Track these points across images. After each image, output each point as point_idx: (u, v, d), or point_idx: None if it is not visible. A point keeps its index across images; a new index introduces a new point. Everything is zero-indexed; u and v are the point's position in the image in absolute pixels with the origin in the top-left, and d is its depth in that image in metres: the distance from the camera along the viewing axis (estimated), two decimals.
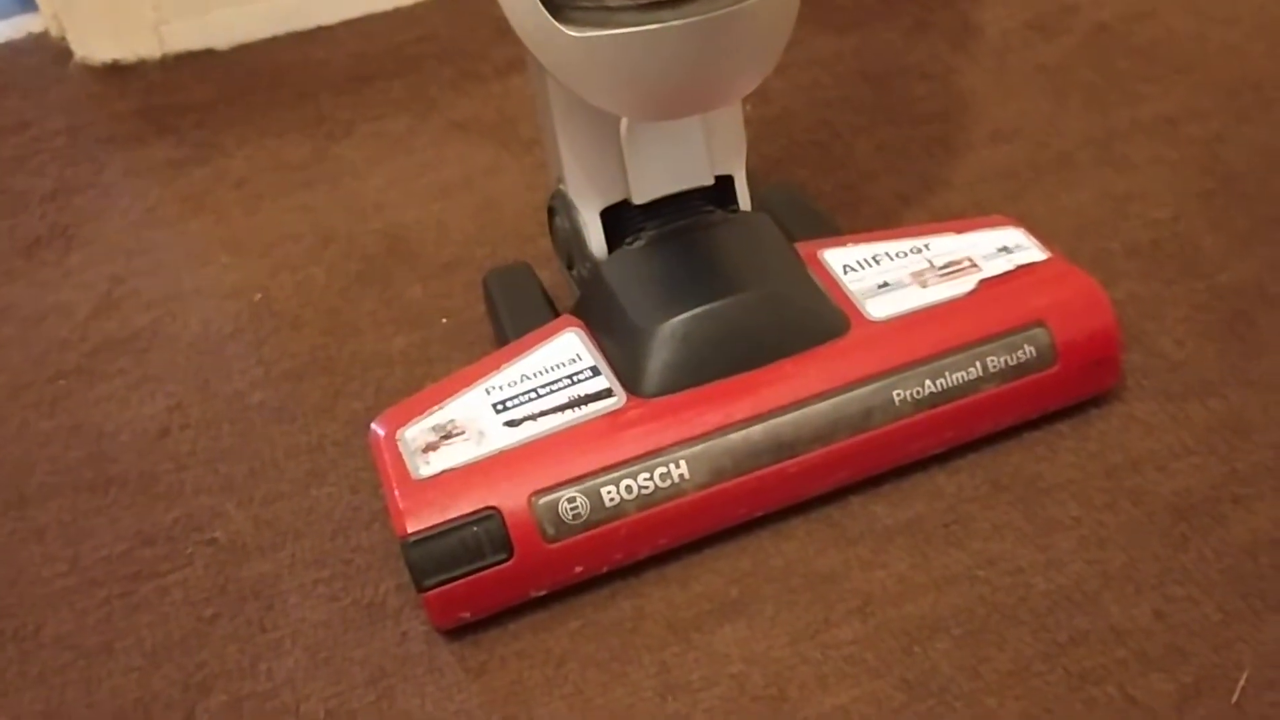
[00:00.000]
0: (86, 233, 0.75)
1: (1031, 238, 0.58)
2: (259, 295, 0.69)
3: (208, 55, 0.91)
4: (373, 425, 0.52)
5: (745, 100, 0.54)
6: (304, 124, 0.83)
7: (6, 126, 0.86)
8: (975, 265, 0.56)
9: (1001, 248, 0.57)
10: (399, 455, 0.50)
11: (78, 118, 0.86)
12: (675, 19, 0.45)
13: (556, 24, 0.46)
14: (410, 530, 0.47)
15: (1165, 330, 0.60)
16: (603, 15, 0.46)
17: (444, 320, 0.66)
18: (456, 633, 0.50)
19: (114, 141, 0.83)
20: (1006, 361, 0.53)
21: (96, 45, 0.90)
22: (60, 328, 0.68)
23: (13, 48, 0.94)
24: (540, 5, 0.46)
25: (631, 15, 0.46)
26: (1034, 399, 0.54)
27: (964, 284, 0.55)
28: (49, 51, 0.93)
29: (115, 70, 0.90)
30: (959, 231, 0.58)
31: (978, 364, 0.52)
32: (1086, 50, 0.81)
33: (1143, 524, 0.51)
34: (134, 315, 0.69)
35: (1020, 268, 0.56)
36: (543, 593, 0.50)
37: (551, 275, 0.64)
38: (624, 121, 0.54)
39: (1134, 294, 0.62)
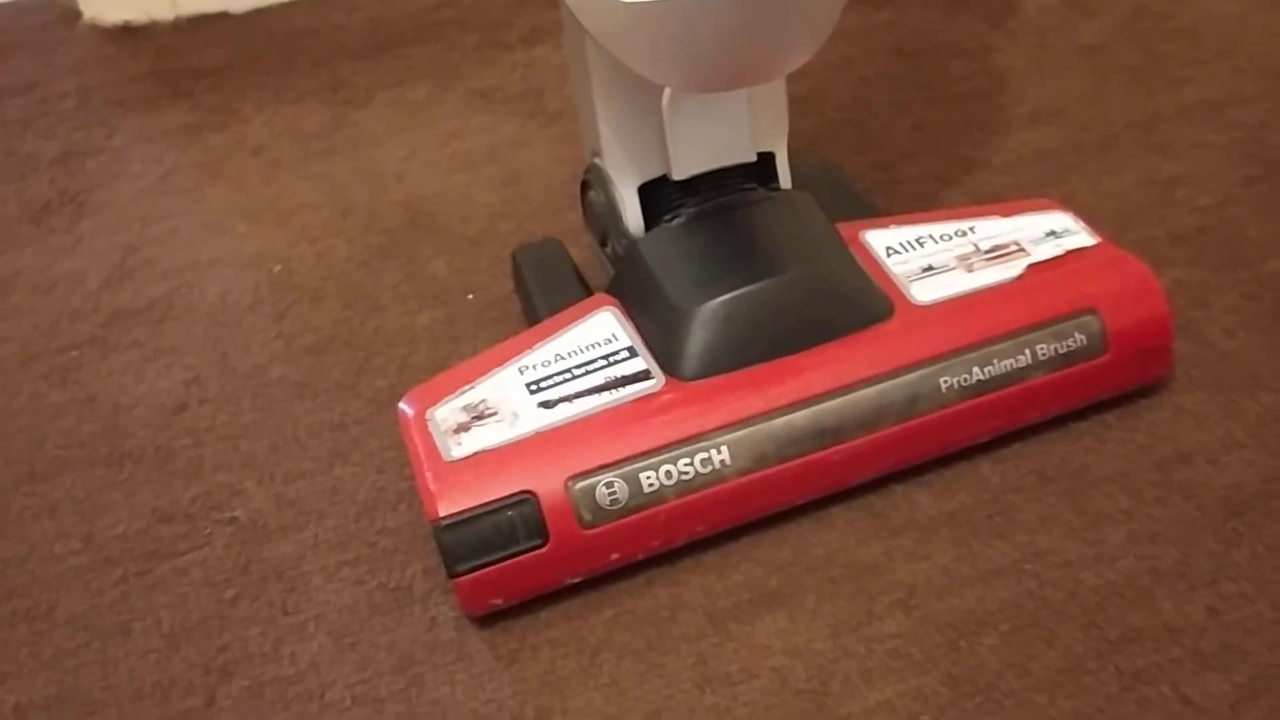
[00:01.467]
0: (98, 199, 0.73)
1: (1080, 222, 0.56)
2: (278, 266, 0.67)
3: (222, 18, 0.89)
4: (400, 404, 0.50)
5: None
6: (322, 91, 0.81)
7: (13, 87, 0.83)
8: (1023, 249, 0.54)
9: (1049, 232, 0.55)
10: (429, 436, 0.48)
11: (87, 79, 0.84)
12: None
13: None
14: (443, 514, 0.45)
15: (1213, 319, 0.58)
16: None
17: (469, 296, 0.64)
18: (487, 620, 0.48)
19: (126, 105, 0.81)
20: (1056, 349, 0.51)
21: (107, 5, 0.87)
22: (72, 297, 0.66)
23: (18, 7, 0.92)
24: None
25: None
26: (1083, 388, 0.52)
27: (1011, 269, 0.53)
28: (56, 10, 0.90)
29: (126, 31, 0.88)
30: (1005, 214, 0.56)
31: (1027, 351, 0.51)
32: (1127, 31, 0.79)
33: (1194, 518, 0.50)
34: (149, 285, 0.67)
35: (1069, 252, 0.54)
36: (577, 580, 0.48)
37: (580, 252, 0.62)
38: (666, 93, 0.52)
39: (1180, 282, 0.60)
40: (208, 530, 0.53)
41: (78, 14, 0.88)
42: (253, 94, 0.81)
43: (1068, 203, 0.59)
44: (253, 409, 0.58)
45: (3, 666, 0.48)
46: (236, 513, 0.53)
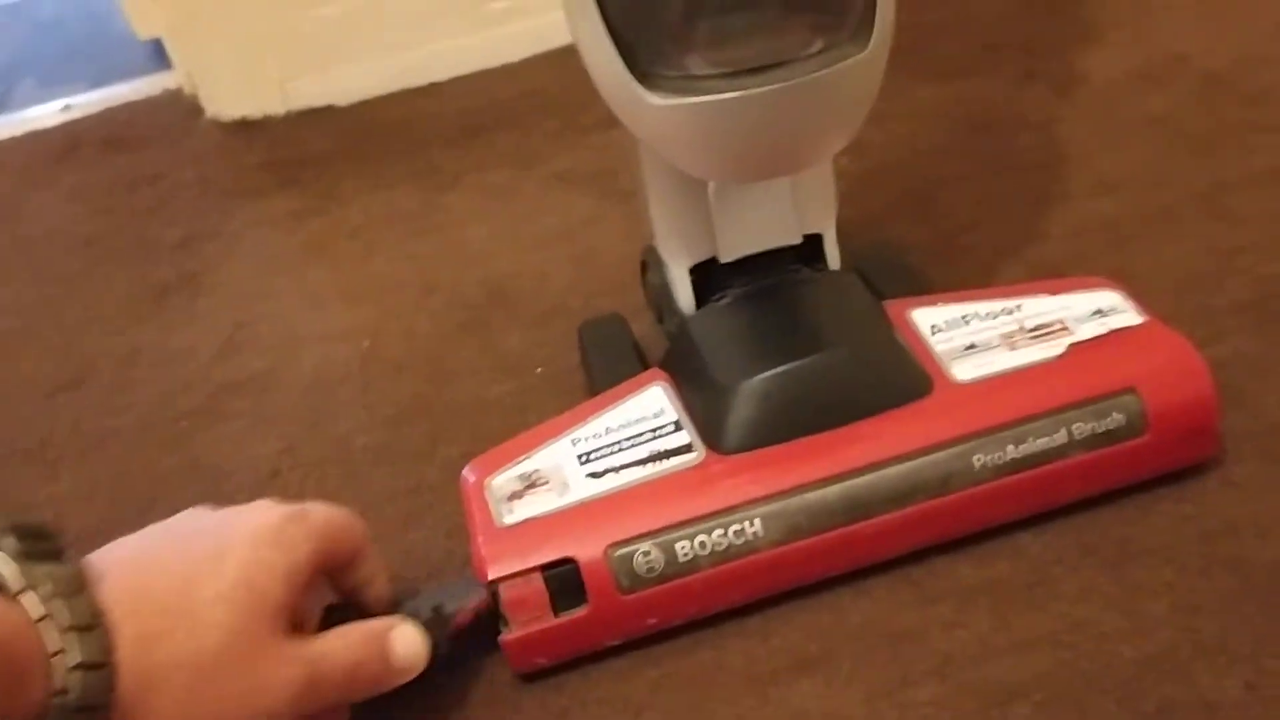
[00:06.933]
0: (213, 279, 0.80)
1: (1129, 300, 0.56)
2: (367, 342, 0.72)
3: (328, 111, 0.96)
4: (464, 471, 0.54)
5: (842, 154, 0.54)
6: (415, 176, 0.87)
7: (144, 177, 0.92)
8: (1067, 328, 0.55)
9: (1096, 310, 0.56)
10: (485, 502, 0.52)
11: (208, 170, 0.91)
12: (759, 86, 0.46)
13: (642, 91, 0.47)
14: (491, 576, 0.49)
15: (1270, 391, 0.58)
16: (688, 83, 0.47)
17: (539, 370, 0.68)
18: (539, 677, 0.51)
19: (240, 193, 0.88)
20: (1094, 428, 0.51)
21: (226, 102, 0.96)
22: (185, 370, 0.73)
23: (150, 103, 1.01)
24: (628, 74, 0.47)
25: (716, 83, 0.47)
26: (1123, 467, 0.53)
27: (1053, 347, 0.54)
28: (183, 107, 0.99)
29: (243, 125, 0.96)
30: (1053, 292, 0.57)
31: (1063, 430, 0.51)
32: (1196, 100, 0.80)
33: (1238, 592, 0.49)
34: (253, 359, 0.72)
35: (1114, 331, 0.54)
36: (617, 642, 0.51)
37: (647, 325, 0.65)
38: (711, 182, 0.55)
39: (1238, 352, 0.60)
40: None
41: (200, 110, 0.97)
42: (352, 180, 0.87)
43: (1127, 272, 0.59)
44: (338, 475, 0.63)
45: None
46: None
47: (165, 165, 0.92)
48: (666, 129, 0.49)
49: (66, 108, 1.04)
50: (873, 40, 0.47)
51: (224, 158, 0.93)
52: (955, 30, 0.92)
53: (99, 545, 0.59)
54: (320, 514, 0.47)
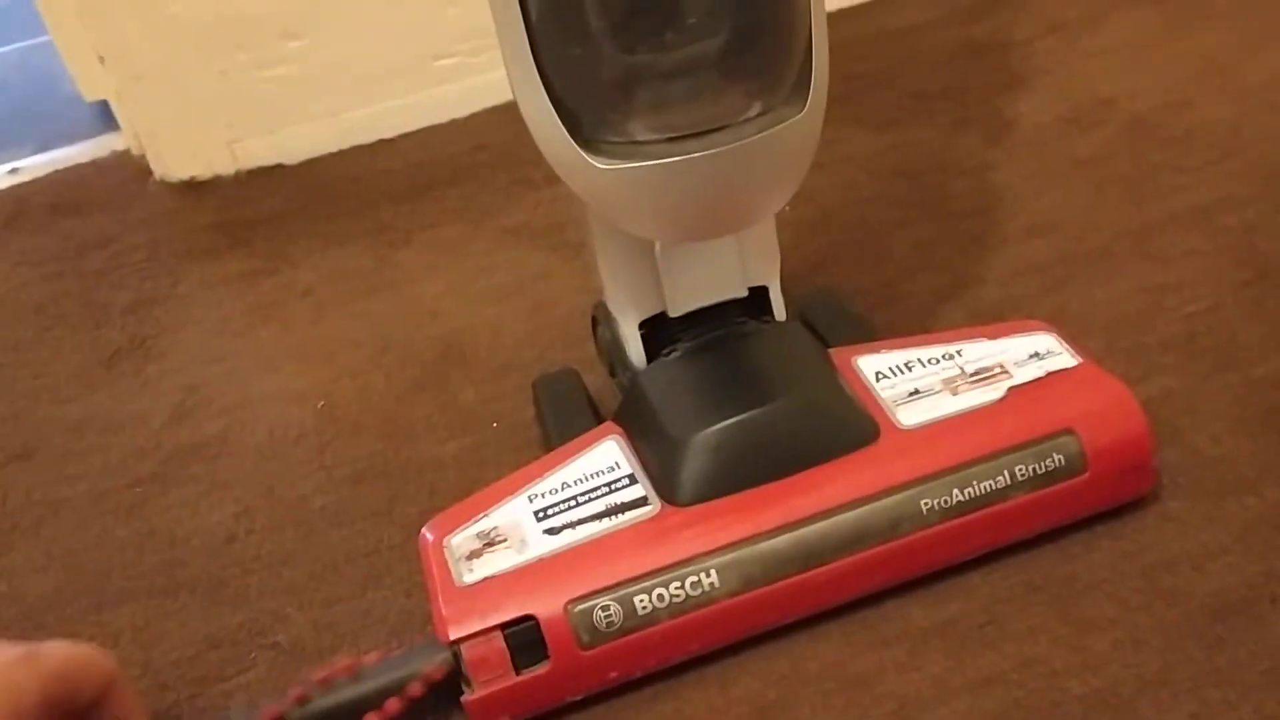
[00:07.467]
0: (163, 343, 0.80)
1: (1064, 343, 0.59)
2: (321, 402, 0.72)
3: (278, 170, 0.96)
4: (423, 531, 0.55)
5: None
6: (366, 233, 0.87)
7: (92, 241, 0.91)
8: (1006, 372, 0.57)
9: (1033, 354, 0.58)
10: (444, 562, 0.52)
11: (157, 232, 0.91)
12: (700, 150, 0.48)
13: (586, 156, 0.49)
14: (453, 637, 0.49)
15: (1201, 426, 0.60)
16: (631, 148, 0.49)
17: (495, 424, 0.68)
18: None
19: (190, 255, 0.88)
20: (1035, 469, 0.53)
21: (174, 163, 0.96)
22: (138, 436, 0.72)
23: (97, 165, 1.01)
24: (571, 140, 0.49)
25: (659, 148, 0.48)
26: (1064, 506, 0.54)
27: (994, 391, 0.56)
28: (131, 169, 0.99)
29: (192, 186, 0.96)
30: (992, 337, 0.59)
31: (1006, 472, 0.53)
32: (1122, 142, 0.83)
33: (1179, 625, 0.51)
34: (206, 423, 0.72)
35: (1051, 374, 0.57)
36: (579, 697, 0.51)
37: (601, 377, 0.66)
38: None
39: (1169, 389, 0.63)
40: (252, 655, 0.57)
41: (149, 171, 0.97)
42: (304, 239, 0.88)
43: (1060, 314, 0.62)
44: (295, 538, 0.63)
45: None
46: (278, 638, 0.58)
47: (114, 228, 0.92)
48: (610, 193, 0.50)
49: (13, 171, 1.03)
50: (809, 101, 0.49)
51: (173, 219, 0.93)
52: (888, 81, 0.95)
53: (54, 617, 0.59)
54: (56, 654, 0.44)
